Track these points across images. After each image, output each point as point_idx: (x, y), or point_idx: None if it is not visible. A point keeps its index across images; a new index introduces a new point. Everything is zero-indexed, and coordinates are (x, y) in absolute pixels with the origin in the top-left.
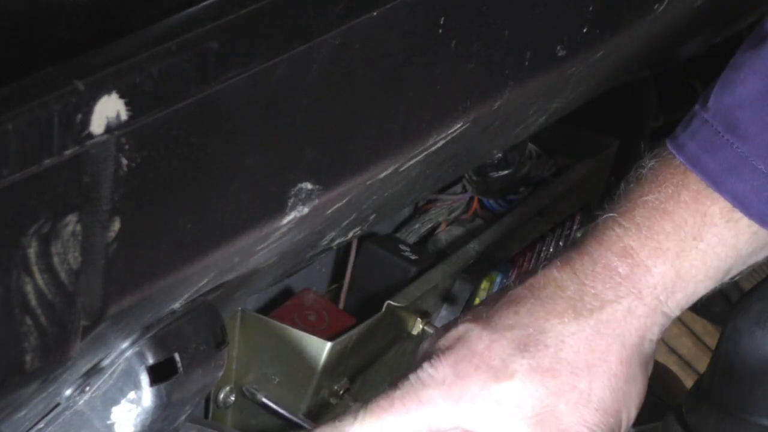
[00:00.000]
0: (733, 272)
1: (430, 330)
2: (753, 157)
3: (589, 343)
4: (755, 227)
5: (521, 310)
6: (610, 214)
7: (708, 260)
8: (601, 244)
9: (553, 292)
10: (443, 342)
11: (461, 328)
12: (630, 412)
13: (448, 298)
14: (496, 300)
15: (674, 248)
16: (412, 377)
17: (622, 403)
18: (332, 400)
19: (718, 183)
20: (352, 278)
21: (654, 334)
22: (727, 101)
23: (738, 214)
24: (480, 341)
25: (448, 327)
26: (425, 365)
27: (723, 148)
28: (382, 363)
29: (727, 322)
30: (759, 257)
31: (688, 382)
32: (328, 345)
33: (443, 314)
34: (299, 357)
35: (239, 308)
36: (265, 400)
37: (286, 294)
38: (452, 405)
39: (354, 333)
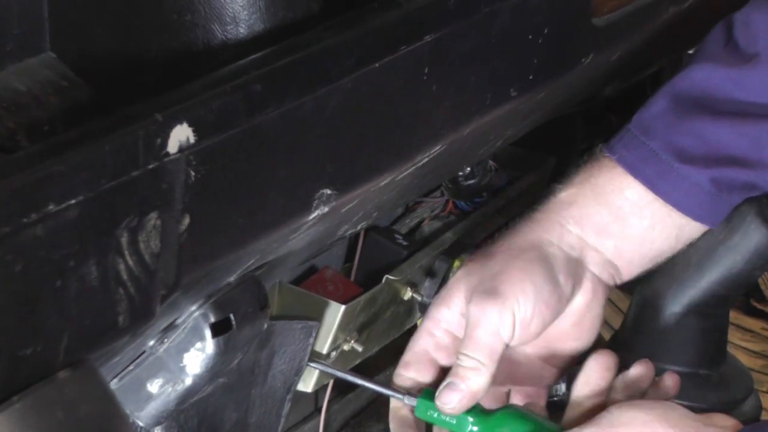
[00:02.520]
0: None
1: (417, 297)
2: (659, 151)
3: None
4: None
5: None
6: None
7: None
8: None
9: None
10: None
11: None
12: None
13: (430, 273)
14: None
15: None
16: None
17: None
18: (345, 347)
19: (634, 170)
20: (360, 259)
21: (553, 237)
22: (643, 115)
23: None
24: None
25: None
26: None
27: (639, 146)
28: (382, 320)
29: (636, 293)
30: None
31: (606, 336)
32: (343, 308)
33: (426, 284)
34: (321, 316)
35: (277, 281)
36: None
37: (312, 270)
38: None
39: (361, 299)
